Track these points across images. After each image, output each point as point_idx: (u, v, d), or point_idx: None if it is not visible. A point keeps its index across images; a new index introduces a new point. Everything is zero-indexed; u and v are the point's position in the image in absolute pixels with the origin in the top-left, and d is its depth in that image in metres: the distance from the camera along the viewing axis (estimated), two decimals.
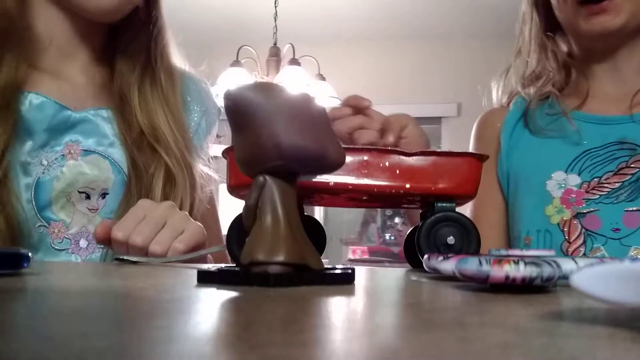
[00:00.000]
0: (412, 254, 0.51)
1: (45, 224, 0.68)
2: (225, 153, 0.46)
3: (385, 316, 0.21)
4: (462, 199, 0.47)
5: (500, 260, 0.28)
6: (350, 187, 0.44)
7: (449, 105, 3.73)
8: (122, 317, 0.20)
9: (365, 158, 0.44)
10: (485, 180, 0.47)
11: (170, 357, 0.13)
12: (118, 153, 0.73)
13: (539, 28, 0.83)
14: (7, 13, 0.69)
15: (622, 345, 0.15)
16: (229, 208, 0.63)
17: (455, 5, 3.37)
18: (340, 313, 0.21)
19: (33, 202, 0.67)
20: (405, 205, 0.51)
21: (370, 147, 0.49)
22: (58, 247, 0.68)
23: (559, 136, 0.78)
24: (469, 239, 0.45)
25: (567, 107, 0.79)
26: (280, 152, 0.30)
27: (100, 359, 0.12)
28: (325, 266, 0.33)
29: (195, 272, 0.34)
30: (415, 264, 0.52)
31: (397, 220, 4.38)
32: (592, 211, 0.73)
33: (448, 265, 0.32)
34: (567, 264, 0.28)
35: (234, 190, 0.46)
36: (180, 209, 0.68)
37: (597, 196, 0.73)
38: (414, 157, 0.45)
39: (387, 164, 0.45)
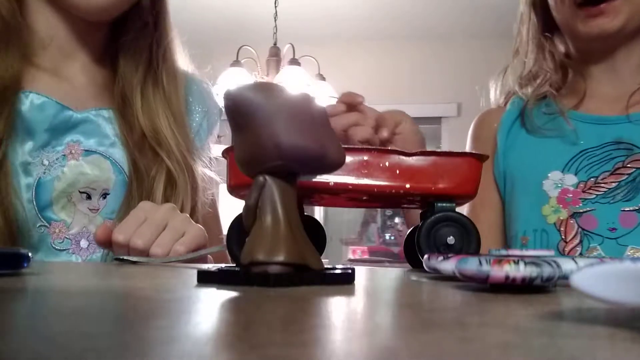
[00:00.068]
0: (412, 254, 0.51)
1: (46, 224, 0.68)
2: (225, 153, 0.46)
3: (385, 316, 0.21)
4: (462, 199, 0.48)
5: (500, 260, 0.28)
6: (350, 187, 0.44)
7: (449, 105, 3.73)
8: (122, 317, 0.20)
9: (365, 158, 0.44)
10: (482, 180, 0.47)
11: (170, 357, 0.13)
12: (119, 153, 0.73)
13: (537, 28, 0.83)
14: (0, 11, 0.69)
15: (622, 345, 0.15)
16: (229, 208, 0.63)
17: (455, 5, 3.37)
18: (340, 313, 0.21)
19: (34, 202, 0.67)
20: (405, 205, 0.51)
21: (370, 147, 0.49)
22: (59, 247, 0.68)
23: (556, 136, 0.78)
24: (469, 239, 0.45)
25: (564, 107, 0.79)
26: (280, 152, 0.30)
27: (100, 359, 0.12)
28: (325, 266, 0.33)
29: (195, 272, 0.34)
30: (415, 264, 0.52)
31: (397, 220, 4.38)
32: (588, 211, 0.73)
33: (448, 265, 0.32)
34: (567, 264, 0.28)
35: (234, 190, 0.46)
36: (182, 211, 0.68)
37: (594, 196, 0.74)
38: (414, 157, 0.45)
39: (387, 164, 0.45)
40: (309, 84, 2.61)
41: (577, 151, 0.76)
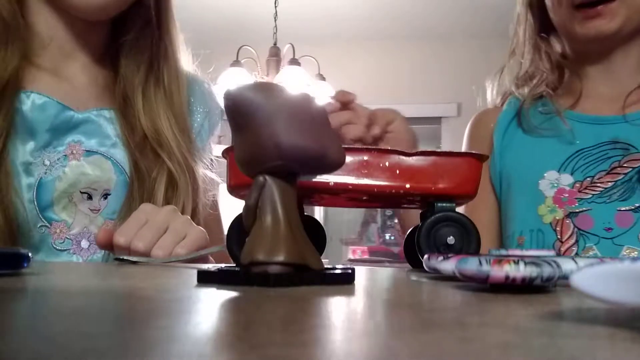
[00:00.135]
0: (412, 254, 0.51)
1: (47, 224, 0.68)
2: (225, 153, 0.46)
3: (385, 316, 0.21)
4: (462, 199, 0.48)
5: (500, 260, 0.28)
6: (350, 187, 0.44)
7: (449, 105, 3.73)
8: (122, 317, 0.20)
9: (365, 158, 0.44)
10: None
11: (170, 357, 0.13)
12: (120, 154, 0.73)
13: (533, 29, 0.84)
14: (0, 11, 0.69)
15: (622, 345, 0.15)
16: (229, 208, 0.63)
17: (455, 5, 3.37)
18: (340, 313, 0.21)
19: (35, 202, 0.67)
20: (405, 205, 0.51)
21: (370, 147, 0.49)
22: (59, 248, 0.68)
23: (552, 135, 0.79)
24: (469, 239, 0.45)
25: (560, 107, 0.79)
26: (280, 152, 0.30)
27: (100, 359, 0.12)
28: (325, 266, 0.33)
29: (195, 272, 0.34)
30: (415, 264, 0.52)
31: (397, 220, 4.37)
32: (584, 210, 0.73)
33: (448, 265, 0.32)
34: (567, 264, 0.28)
35: (234, 190, 0.46)
36: (183, 213, 0.68)
37: (590, 195, 0.73)
38: (414, 157, 0.45)
39: (387, 164, 0.45)
40: (309, 84, 2.62)
41: (573, 151, 0.76)
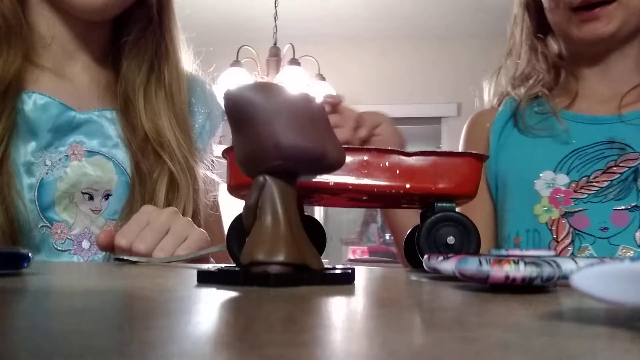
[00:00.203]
0: (412, 254, 0.51)
1: (48, 224, 0.68)
2: (225, 153, 0.46)
3: (385, 316, 0.21)
4: (462, 199, 0.47)
5: (500, 260, 0.28)
6: (350, 187, 0.44)
7: (449, 105, 3.73)
8: (122, 317, 0.20)
9: (365, 158, 0.44)
10: None
11: (170, 357, 0.13)
12: (122, 155, 0.73)
13: (530, 30, 0.84)
14: (3, 11, 0.69)
15: (622, 345, 0.15)
16: (229, 208, 0.63)
17: (455, 5, 3.37)
18: (340, 313, 0.21)
19: (36, 202, 0.67)
20: (405, 205, 0.51)
21: (370, 147, 0.49)
22: (60, 248, 0.68)
23: (548, 135, 0.79)
24: (469, 239, 0.45)
25: (556, 107, 0.79)
26: (280, 152, 0.30)
27: (100, 358, 0.12)
28: (325, 266, 0.33)
29: (195, 272, 0.34)
30: (415, 264, 0.52)
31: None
32: (580, 210, 0.73)
33: (448, 265, 0.32)
34: (567, 264, 0.28)
35: (234, 190, 0.46)
36: (183, 214, 0.68)
37: (586, 195, 0.73)
38: (414, 157, 0.45)
39: (387, 164, 0.45)
40: (309, 84, 2.62)
41: (568, 151, 0.76)
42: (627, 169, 0.73)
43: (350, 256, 4.12)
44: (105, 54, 0.79)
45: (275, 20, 2.95)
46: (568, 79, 0.83)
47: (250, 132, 0.30)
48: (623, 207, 0.71)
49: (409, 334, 0.17)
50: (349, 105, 0.70)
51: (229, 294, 0.27)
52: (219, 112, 0.86)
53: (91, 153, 0.71)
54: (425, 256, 0.37)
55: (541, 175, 0.76)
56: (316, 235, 0.47)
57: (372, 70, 3.83)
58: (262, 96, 0.30)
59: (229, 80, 2.49)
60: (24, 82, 0.69)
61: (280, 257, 0.30)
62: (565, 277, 0.27)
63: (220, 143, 0.87)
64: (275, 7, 2.99)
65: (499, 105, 0.87)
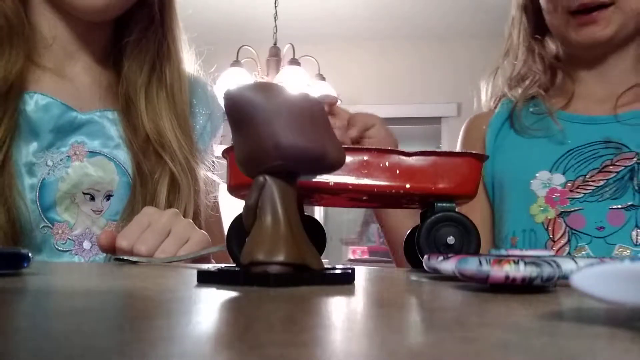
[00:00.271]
0: (412, 254, 0.51)
1: (49, 224, 0.68)
2: (225, 153, 0.46)
3: (385, 316, 0.21)
4: (462, 199, 0.48)
5: (500, 260, 0.28)
6: (350, 187, 0.44)
7: (449, 105, 3.73)
8: (122, 317, 0.20)
9: (365, 158, 0.44)
10: None
11: (170, 357, 0.13)
12: (123, 155, 0.73)
13: (527, 32, 0.84)
14: (5, 11, 0.69)
15: (622, 345, 0.15)
16: (229, 208, 0.63)
17: (455, 5, 3.37)
18: (340, 313, 0.21)
19: (37, 202, 0.67)
20: (405, 205, 0.51)
21: (370, 147, 0.49)
22: (61, 248, 0.68)
23: (544, 136, 0.79)
24: (469, 239, 0.45)
25: (552, 107, 0.80)
26: (280, 152, 0.30)
27: (100, 358, 0.12)
28: (325, 266, 0.33)
29: (195, 272, 0.34)
30: (415, 264, 0.52)
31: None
32: (576, 210, 0.73)
33: (448, 265, 0.32)
34: (567, 264, 0.28)
35: (234, 190, 0.46)
36: (184, 215, 0.68)
37: (582, 195, 0.74)
38: (414, 157, 0.45)
39: (387, 164, 0.45)
40: (309, 84, 2.61)
41: (564, 151, 0.76)
42: (623, 167, 0.73)
43: (350, 256, 4.11)
44: (107, 55, 0.79)
45: (275, 20, 2.95)
46: (564, 79, 0.83)
47: (250, 132, 0.30)
48: (619, 206, 0.72)
49: (409, 334, 0.17)
50: (349, 105, 0.70)
51: (229, 294, 0.27)
52: (220, 114, 0.86)
53: (93, 153, 0.71)
54: (425, 256, 0.37)
55: (537, 175, 0.77)
56: (316, 235, 0.47)
57: (372, 70, 3.83)
58: (262, 96, 0.30)
59: (229, 80, 2.49)
60: (25, 83, 0.69)
61: (280, 257, 0.30)
62: (565, 277, 0.27)
63: (220, 143, 0.87)
64: (275, 7, 2.99)
65: (495, 107, 0.87)
